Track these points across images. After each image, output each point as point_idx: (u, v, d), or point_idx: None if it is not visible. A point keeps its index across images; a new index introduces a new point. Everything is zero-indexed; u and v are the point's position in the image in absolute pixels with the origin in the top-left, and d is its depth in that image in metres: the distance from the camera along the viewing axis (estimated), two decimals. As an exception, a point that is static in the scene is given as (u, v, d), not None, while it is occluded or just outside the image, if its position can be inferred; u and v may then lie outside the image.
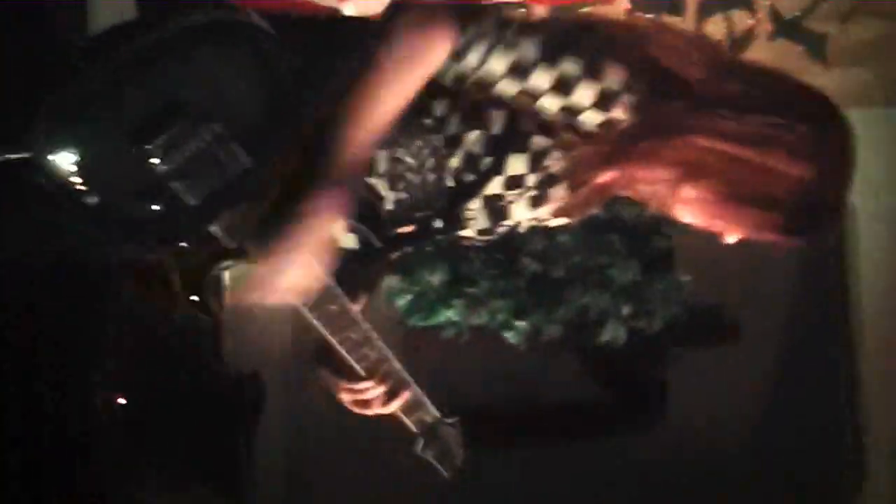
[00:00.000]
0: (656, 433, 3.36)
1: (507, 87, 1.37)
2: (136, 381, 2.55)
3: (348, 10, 2.73)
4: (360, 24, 1.65)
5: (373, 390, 1.51)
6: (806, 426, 3.26)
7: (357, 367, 1.48)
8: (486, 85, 1.38)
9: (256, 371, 3.01)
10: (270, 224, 1.36)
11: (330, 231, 1.35)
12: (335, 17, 2.38)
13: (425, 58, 1.34)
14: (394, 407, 1.54)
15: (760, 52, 3.22)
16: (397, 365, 1.51)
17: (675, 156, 1.36)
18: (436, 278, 3.18)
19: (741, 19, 3.26)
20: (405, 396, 1.53)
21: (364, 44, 1.37)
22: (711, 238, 1.47)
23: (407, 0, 1.36)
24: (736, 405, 3.33)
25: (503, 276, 3.18)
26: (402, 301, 3.21)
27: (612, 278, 3.16)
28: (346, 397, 1.54)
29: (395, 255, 1.56)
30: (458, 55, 1.35)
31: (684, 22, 3.14)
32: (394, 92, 1.34)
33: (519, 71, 1.35)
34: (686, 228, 1.46)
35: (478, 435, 1.62)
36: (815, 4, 3.22)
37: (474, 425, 1.61)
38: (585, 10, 3.06)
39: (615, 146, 1.38)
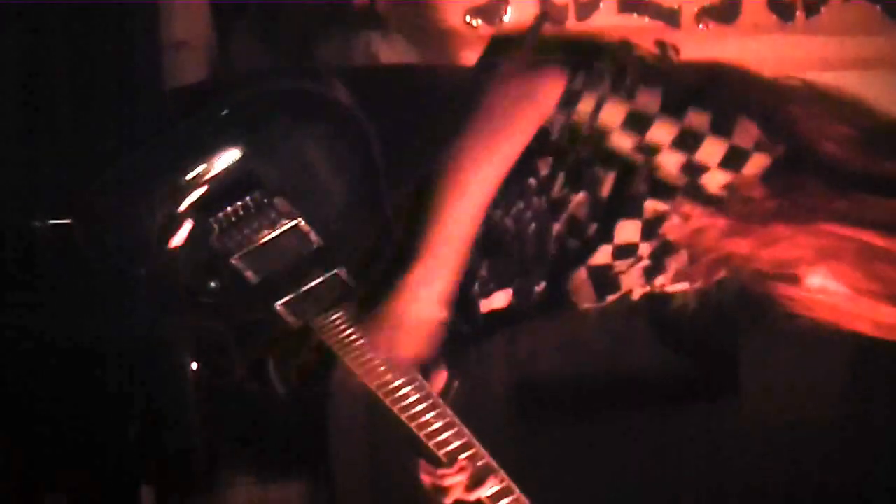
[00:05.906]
0: (729, 404, 3.27)
1: (622, 141, 1.24)
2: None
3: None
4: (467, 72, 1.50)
5: (452, 477, 1.36)
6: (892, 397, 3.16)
7: (437, 453, 1.34)
8: (598, 137, 1.25)
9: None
10: (369, 301, 1.28)
11: (429, 310, 1.26)
12: (440, 67, 2.17)
13: (537, 100, 1.21)
14: (477, 495, 1.38)
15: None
16: (483, 452, 1.36)
17: (806, 240, 1.23)
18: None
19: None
20: (491, 485, 1.36)
21: (470, 86, 1.25)
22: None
23: None
24: (813, 378, 3.23)
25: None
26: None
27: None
28: (426, 480, 1.40)
29: (490, 338, 1.44)
30: (568, 102, 1.21)
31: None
32: (505, 140, 1.22)
33: (637, 123, 1.22)
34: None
35: (552, 406, 1.52)
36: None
37: (546, 396, 1.50)
38: None
39: (743, 221, 1.25)
